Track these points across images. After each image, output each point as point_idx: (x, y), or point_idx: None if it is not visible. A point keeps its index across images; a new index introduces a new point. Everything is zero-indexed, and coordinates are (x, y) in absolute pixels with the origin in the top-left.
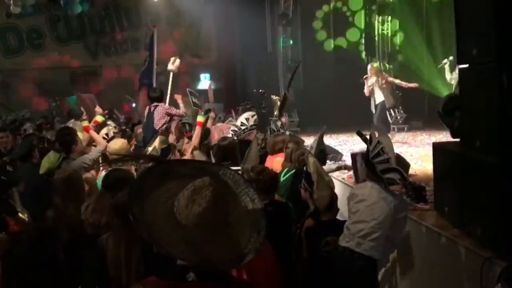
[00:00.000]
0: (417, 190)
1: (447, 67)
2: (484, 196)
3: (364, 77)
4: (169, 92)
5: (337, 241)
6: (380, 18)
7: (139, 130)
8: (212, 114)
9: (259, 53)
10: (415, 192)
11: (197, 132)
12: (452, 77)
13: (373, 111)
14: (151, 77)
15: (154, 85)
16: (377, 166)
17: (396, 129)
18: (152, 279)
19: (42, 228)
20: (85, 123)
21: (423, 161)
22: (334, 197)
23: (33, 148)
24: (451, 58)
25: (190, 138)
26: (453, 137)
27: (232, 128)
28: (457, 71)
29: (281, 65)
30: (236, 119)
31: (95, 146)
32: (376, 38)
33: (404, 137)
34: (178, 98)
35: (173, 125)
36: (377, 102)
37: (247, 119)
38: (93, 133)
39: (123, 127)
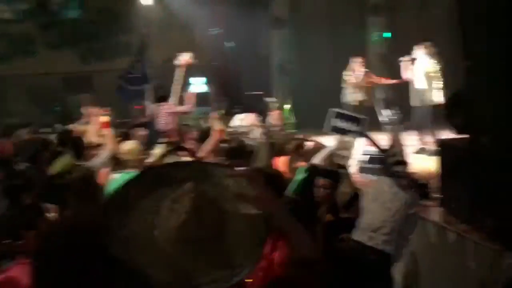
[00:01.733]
0: (420, 187)
1: (403, 64)
2: (496, 190)
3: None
4: (178, 88)
5: (350, 239)
6: (374, 18)
7: (139, 132)
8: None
9: (253, 55)
10: (418, 189)
11: (213, 139)
12: (407, 76)
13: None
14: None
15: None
16: (388, 160)
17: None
18: None
19: (73, 226)
20: (105, 119)
21: (421, 159)
22: (355, 196)
23: (39, 152)
24: (412, 56)
25: (192, 139)
26: (458, 134)
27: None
28: (419, 72)
29: (275, 67)
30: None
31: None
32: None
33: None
34: (191, 98)
35: (174, 124)
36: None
37: (280, 118)
38: (108, 133)
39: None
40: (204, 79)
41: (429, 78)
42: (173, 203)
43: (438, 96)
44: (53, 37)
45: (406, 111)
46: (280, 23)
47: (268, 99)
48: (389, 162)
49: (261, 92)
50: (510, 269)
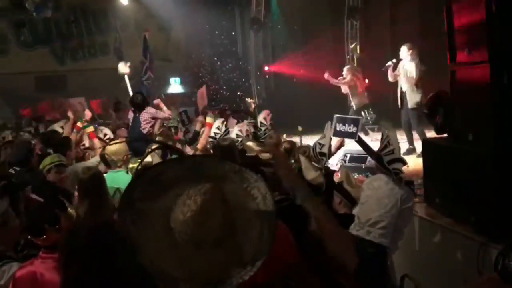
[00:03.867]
0: (407, 185)
1: (390, 70)
2: (478, 186)
3: (339, 78)
4: (130, 92)
5: (348, 234)
6: (349, 21)
7: (124, 134)
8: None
9: (230, 56)
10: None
11: (206, 133)
12: (393, 77)
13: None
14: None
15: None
16: (384, 157)
17: (367, 129)
18: None
19: (99, 221)
20: (91, 129)
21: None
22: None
23: (31, 153)
24: (394, 60)
25: (178, 140)
26: (438, 133)
27: (248, 128)
28: (398, 70)
29: (254, 68)
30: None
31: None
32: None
33: (377, 137)
34: (159, 103)
35: (156, 128)
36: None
37: (265, 119)
38: (96, 140)
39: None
40: (178, 79)
41: (411, 79)
42: (187, 198)
43: (419, 97)
44: (27, 36)
45: (385, 112)
46: (257, 25)
47: (248, 99)
48: (386, 160)
49: (241, 93)
50: (497, 258)
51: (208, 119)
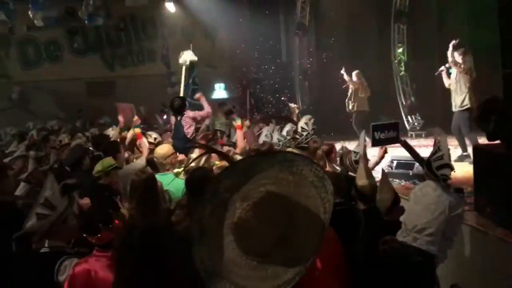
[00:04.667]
0: (456, 192)
1: (444, 73)
2: None
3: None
4: (182, 85)
5: (395, 240)
6: (396, 25)
7: (168, 138)
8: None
9: (274, 62)
10: None
11: (239, 136)
12: (449, 82)
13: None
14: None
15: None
16: (433, 163)
17: (414, 135)
18: None
19: (153, 223)
20: (138, 130)
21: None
22: (396, 200)
23: (84, 156)
24: (447, 65)
25: (222, 145)
26: (489, 140)
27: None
28: (452, 77)
29: (298, 73)
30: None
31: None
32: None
33: (423, 143)
34: (201, 98)
35: (200, 134)
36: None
37: (306, 124)
38: (143, 141)
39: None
40: (223, 85)
41: (462, 82)
42: (236, 200)
43: (463, 96)
44: (79, 43)
45: (432, 117)
46: (302, 30)
47: (291, 105)
48: (435, 166)
49: (284, 99)
50: None
51: (238, 121)
